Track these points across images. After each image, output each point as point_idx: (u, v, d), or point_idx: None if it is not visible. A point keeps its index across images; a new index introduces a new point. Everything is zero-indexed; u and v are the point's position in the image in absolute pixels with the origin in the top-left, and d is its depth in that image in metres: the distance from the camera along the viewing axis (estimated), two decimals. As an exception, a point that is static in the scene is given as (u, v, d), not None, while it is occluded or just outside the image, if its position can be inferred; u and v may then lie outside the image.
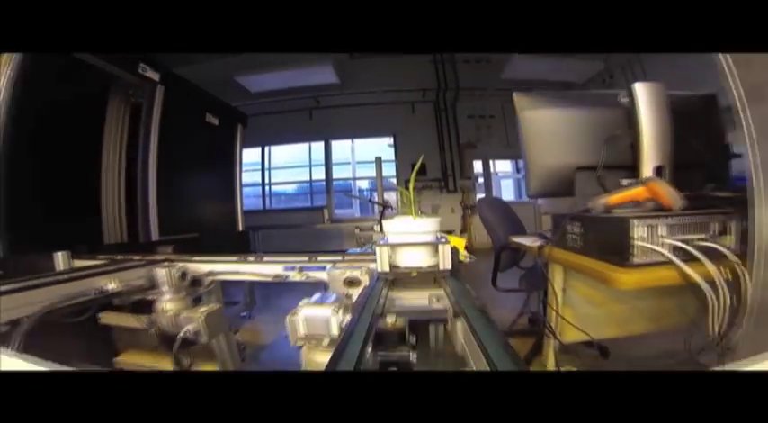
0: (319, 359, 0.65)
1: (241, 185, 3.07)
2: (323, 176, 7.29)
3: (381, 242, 0.93)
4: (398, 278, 0.86)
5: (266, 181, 7.35)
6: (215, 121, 2.78)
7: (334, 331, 0.60)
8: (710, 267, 0.75)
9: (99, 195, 2.32)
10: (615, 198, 0.92)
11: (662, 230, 0.82)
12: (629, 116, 1.06)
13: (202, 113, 2.67)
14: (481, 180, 6.81)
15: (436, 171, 6.64)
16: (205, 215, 2.71)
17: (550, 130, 1.09)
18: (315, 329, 0.62)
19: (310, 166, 7.56)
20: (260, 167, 7.22)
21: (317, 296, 0.70)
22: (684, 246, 0.79)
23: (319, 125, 6.97)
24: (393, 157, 6.96)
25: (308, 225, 4.74)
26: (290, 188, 7.72)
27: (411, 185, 1.01)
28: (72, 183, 2.08)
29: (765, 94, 0.66)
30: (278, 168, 7.49)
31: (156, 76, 2.24)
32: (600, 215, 0.91)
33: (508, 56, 5.64)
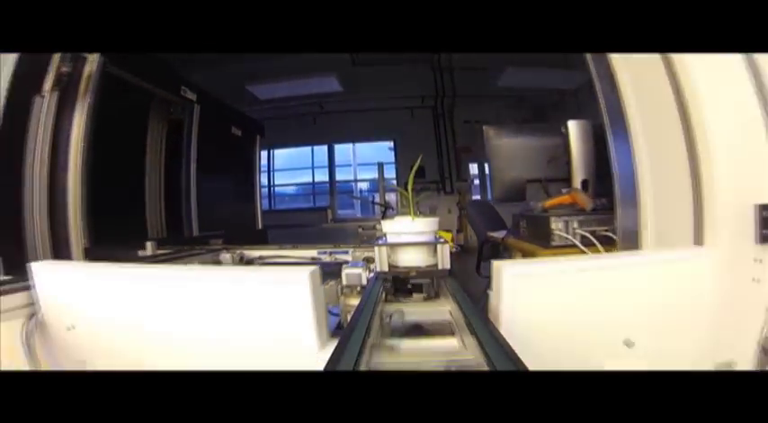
0: (352, 302, 1.07)
1: (260, 188, 3.51)
2: (321, 178, 7.74)
3: (380, 242, 0.95)
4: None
5: (271, 183, 7.78)
6: (238, 133, 3.21)
7: (364, 282, 1.03)
8: (600, 247, 1.18)
9: (144, 197, 2.75)
10: (549, 202, 1.36)
11: (575, 224, 1.26)
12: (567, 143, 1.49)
13: (229, 126, 3.11)
14: (477, 182, 7.24)
15: (434, 173, 7.07)
16: (231, 215, 3.14)
17: (510, 153, 1.53)
18: (352, 281, 1.05)
19: (313, 169, 8.01)
20: (266, 170, 7.63)
21: (351, 263, 1.13)
22: (587, 234, 1.23)
23: (323, 130, 7.39)
24: (393, 160, 7.40)
25: (316, 224, 5.17)
26: (289, 189, 8.18)
27: (410, 186, 1.03)
28: (123, 187, 2.51)
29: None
30: (282, 170, 7.93)
31: (194, 97, 2.67)
32: (538, 214, 1.35)
33: (503, 66, 6.04)
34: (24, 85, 1.76)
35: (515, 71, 5.84)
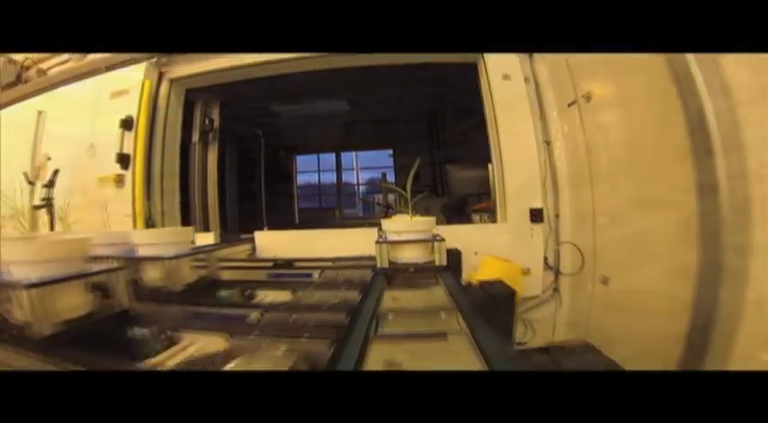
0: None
1: (297, 192, 5.05)
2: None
3: (380, 240, 1.05)
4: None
5: (284, 185, 9.27)
6: (283, 154, 4.76)
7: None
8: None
9: (225, 203, 4.29)
10: (476, 206, 2.90)
11: (486, 217, 2.80)
12: (489, 175, 3.05)
13: (278, 151, 4.66)
14: (465, 185, 8.74)
15: (428, 178, 8.59)
16: (280, 213, 4.68)
17: (463, 179, 3.08)
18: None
19: (319, 172, 9.54)
20: (280, 174, 9.09)
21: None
22: (488, 219, 2.77)
23: (330, 138, 8.88)
24: (392, 165, 8.94)
25: (329, 221, 6.69)
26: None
27: (409, 188, 1.10)
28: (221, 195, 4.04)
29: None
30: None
31: (260, 133, 4.21)
32: (469, 212, 2.90)
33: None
34: (185, 139, 3.28)
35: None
